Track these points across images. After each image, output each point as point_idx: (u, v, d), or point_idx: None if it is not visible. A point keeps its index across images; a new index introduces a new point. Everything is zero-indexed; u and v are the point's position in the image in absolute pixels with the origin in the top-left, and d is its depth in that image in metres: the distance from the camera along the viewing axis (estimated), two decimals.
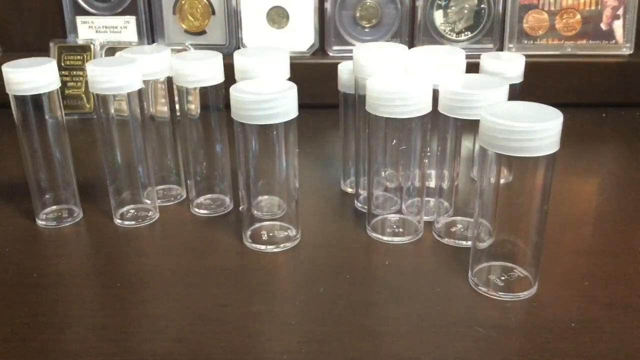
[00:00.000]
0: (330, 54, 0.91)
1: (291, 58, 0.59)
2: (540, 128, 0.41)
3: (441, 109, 0.51)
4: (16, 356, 0.42)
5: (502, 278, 0.48)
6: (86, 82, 0.90)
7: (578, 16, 0.89)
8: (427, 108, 0.51)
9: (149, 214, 0.61)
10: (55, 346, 0.43)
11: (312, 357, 0.42)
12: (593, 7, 0.88)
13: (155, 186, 0.62)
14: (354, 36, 0.91)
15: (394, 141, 0.54)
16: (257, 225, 0.57)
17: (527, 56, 0.62)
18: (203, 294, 0.49)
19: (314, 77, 0.82)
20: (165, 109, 0.63)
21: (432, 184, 0.59)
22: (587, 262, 0.52)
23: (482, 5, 0.89)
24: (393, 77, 0.53)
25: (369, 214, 0.57)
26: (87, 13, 0.93)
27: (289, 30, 0.91)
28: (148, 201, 0.61)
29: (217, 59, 0.57)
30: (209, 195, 0.63)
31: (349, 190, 0.66)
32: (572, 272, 0.51)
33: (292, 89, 0.50)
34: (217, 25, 0.92)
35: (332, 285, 0.49)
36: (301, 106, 0.51)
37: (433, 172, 0.59)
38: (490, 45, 0.90)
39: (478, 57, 0.61)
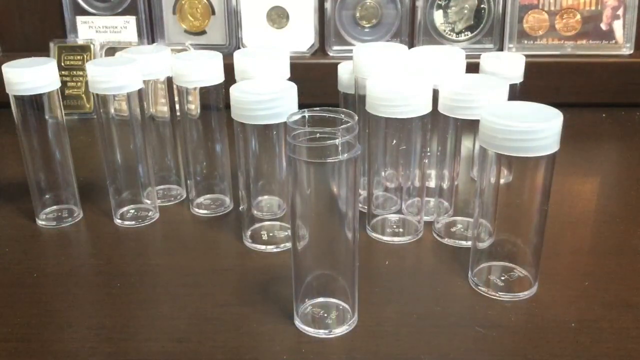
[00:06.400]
0: (330, 54, 0.91)
1: (291, 58, 0.59)
2: (540, 128, 0.41)
3: (441, 109, 0.51)
4: (16, 356, 0.42)
5: (502, 278, 0.48)
6: (86, 82, 0.90)
7: (578, 16, 0.89)
8: (427, 108, 0.51)
9: (149, 214, 0.61)
10: (55, 346, 0.43)
11: (312, 357, 0.42)
12: (593, 7, 0.88)
13: (155, 186, 0.62)
14: (354, 36, 0.91)
15: (394, 141, 0.54)
16: (257, 225, 0.57)
17: (527, 56, 0.62)
18: (203, 294, 0.49)
19: (314, 77, 0.82)
20: (165, 109, 0.63)
21: (432, 184, 0.59)
22: (587, 262, 0.52)
23: (482, 5, 0.89)
24: (393, 77, 0.53)
25: (369, 214, 0.57)
26: (87, 13, 0.93)
27: (289, 30, 0.91)
28: (148, 201, 0.61)
29: (217, 59, 0.57)
30: (209, 195, 0.63)
31: None
32: (572, 272, 0.51)
33: (292, 89, 0.50)
34: (217, 25, 0.92)
35: None
36: (301, 106, 0.51)
37: (433, 172, 0.59)
38: (490, 45, 0.90)
39: (478, 57, 0.61)
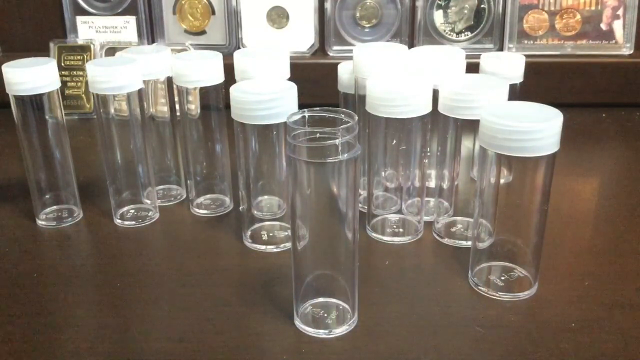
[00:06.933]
0: (330, 54, 0.91)
1: (291, 58, 0.59)
2: (540, 128, 0.41)
3: (441, 109, 0.51)
4: (16, 356, 0.42)
5: (502, 278, 0.48)
6: (86, 82, 0.90)
7: (578, 16, 0.89)
8: (427, 108, 0.51)
9: (149, 214, 0.61)
10: (55, 346, 0.43)
11: (312, 357, 0.42)
12: (593, 7, 0.88)
13: (155, 186, 0.62)
14: (354, 36, 0.91)
15: (394, 141, 0.54)
16: (257, 225, 0.57)
17: (527, 56, 0.62)
18: (203, 294, 0.49)
19: (314, 77, 0.82)
20: (165, 109, 0.63)
21: (432, 184, 0.59)
22: (587, 262, 0.52)
23: (482, 5, 0.89)
24: (393, 77, 0.53)
25: (369, 214, 0.57)
26: (87, 13, 0.93)
27: (289, 30, 0.91)
28: (148, 201, 0.61)
29: (217, 59, 0.57)
30: (209, 195, 0.63)
31: None
32: (572, 272, 0.51)
33: (292, 89, 0.50)
34: (217, 25, 0.92)
35: None
36: (301, 106, 0.51)
37: (433, 172, 0.59)
38: (490, 45, 0.90)
39: (478, 57, 0.61)
